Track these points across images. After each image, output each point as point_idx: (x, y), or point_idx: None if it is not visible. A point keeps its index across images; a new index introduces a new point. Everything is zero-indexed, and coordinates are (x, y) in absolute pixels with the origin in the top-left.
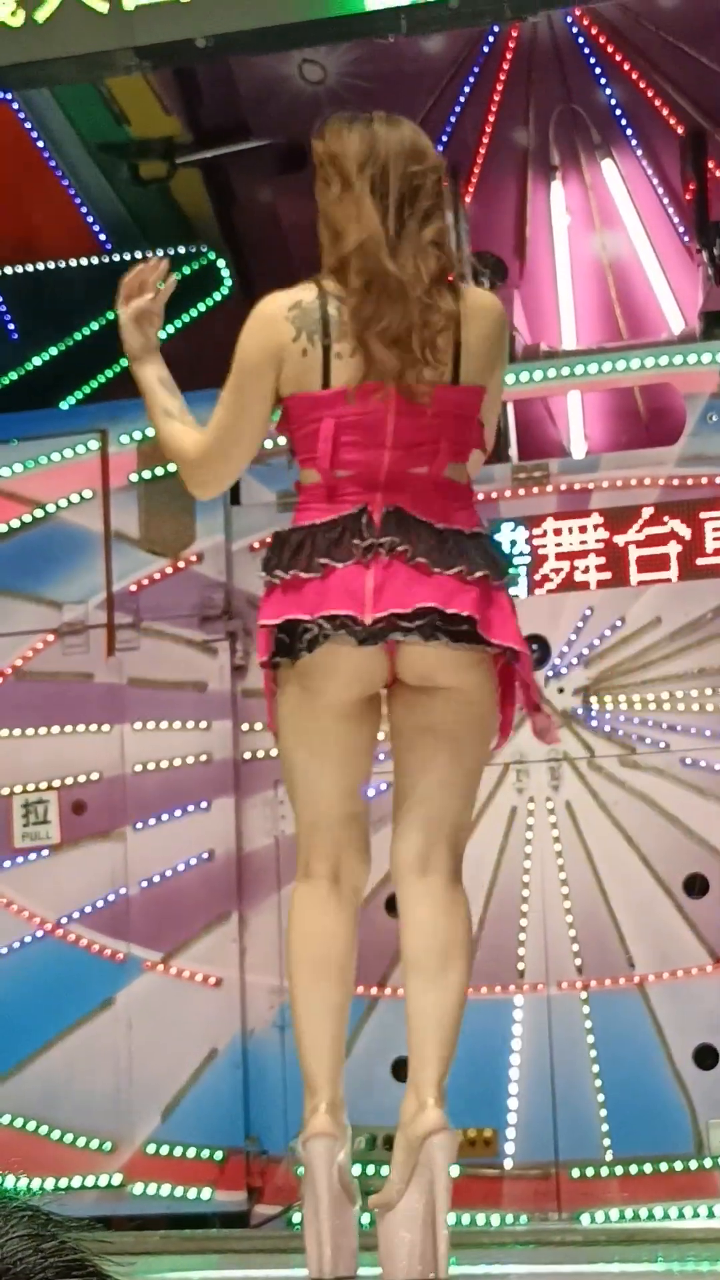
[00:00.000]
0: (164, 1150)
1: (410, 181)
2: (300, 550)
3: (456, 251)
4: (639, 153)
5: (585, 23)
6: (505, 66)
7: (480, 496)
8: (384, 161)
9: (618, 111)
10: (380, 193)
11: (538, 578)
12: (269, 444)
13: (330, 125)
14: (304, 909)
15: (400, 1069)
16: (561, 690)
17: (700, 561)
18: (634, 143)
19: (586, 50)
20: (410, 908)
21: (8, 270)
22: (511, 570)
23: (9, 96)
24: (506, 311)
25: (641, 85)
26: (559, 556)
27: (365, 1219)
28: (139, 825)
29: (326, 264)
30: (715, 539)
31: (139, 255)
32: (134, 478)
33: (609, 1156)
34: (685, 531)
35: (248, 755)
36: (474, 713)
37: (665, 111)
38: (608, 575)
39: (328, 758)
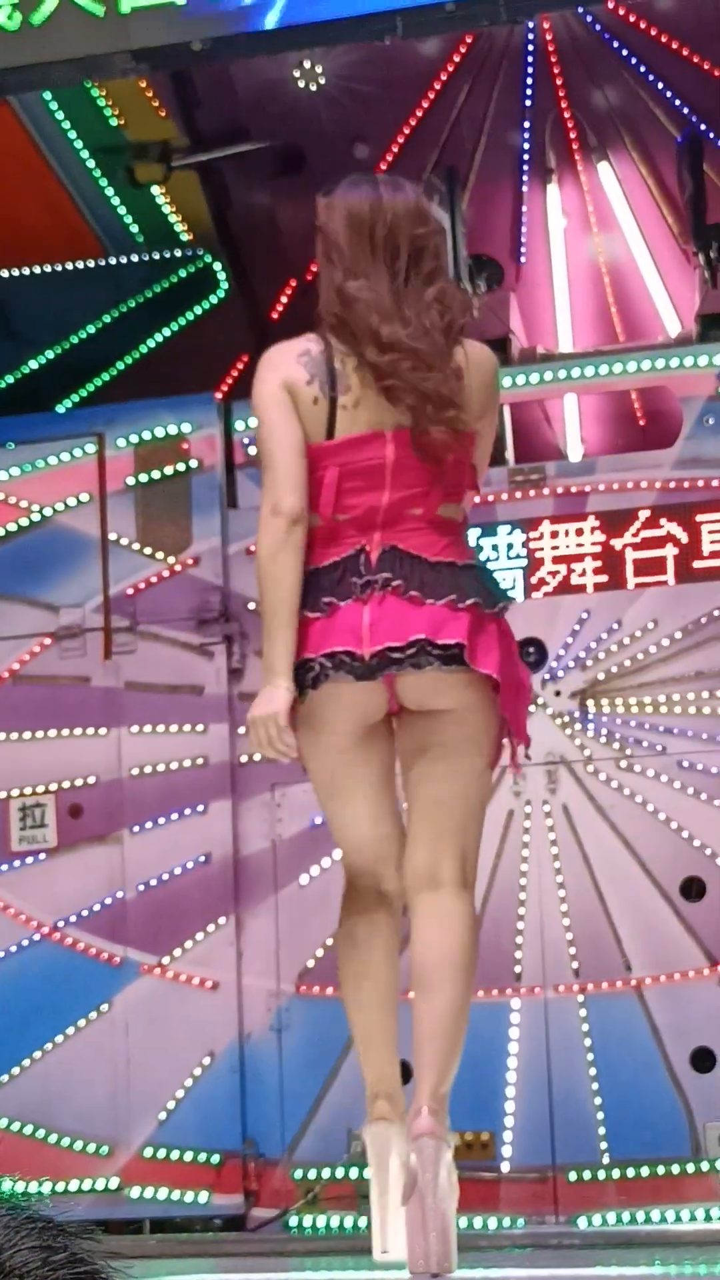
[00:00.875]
0: (161, 1154)
1: (415, 244)
2: (308, 596)
3: (453, 255)
4: (635, 156)
5: (582, 26)
6: (501, 70)
7: (477, 499)
8: (391, 223)
9: (614, 115)
10: (389, 253)
11: (534, 581)
12: None
13: (337, 189)
14: (349, 922)
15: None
16: (558, 693)
17: (697, 565)
18: (630, 146)
19: (583, 54)
20: (416, 922)
21: (4, 273)
22: (508, 597)
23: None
24: (504, 314)
25: (638, 89)
26: (556, 560)
27: (362, 1223)
28: (136, 828)
29: (327, 320)
30: (712, 542)
31: (135, 258)
32: (131, 481)
33: (606, 1159)
34: (682, 535)
35: (244, 759)
36: (467, 731)
37: (662, 115)
38: (604, 578)
39: (344, 790)
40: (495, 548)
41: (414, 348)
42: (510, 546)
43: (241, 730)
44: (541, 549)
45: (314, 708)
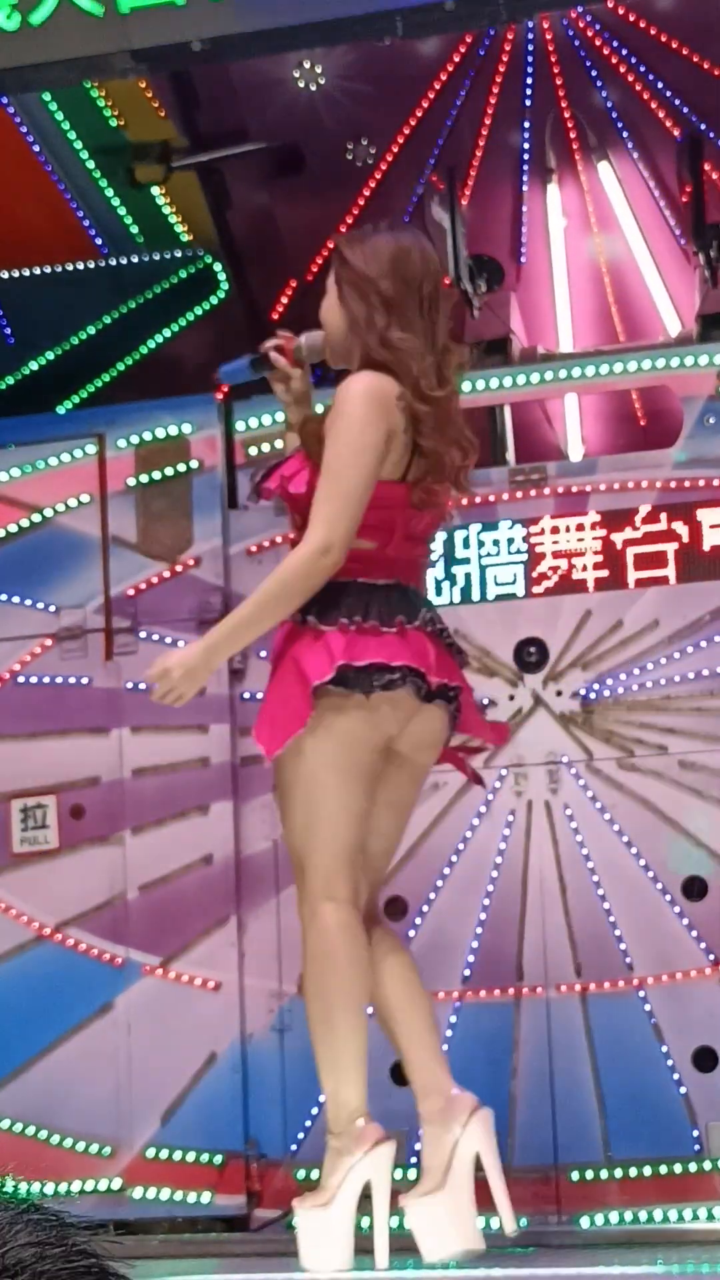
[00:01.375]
0: (163, 1154)
1: (443, 301)
2: (370, 606)
3: (453, 255)
4: (635, 155)
5: (581, 25)
6: (501, 69)
7: (478, 499)
8: (436, 281)
9: (614, 114)
10: (431, 311)
11: (534, 576)
12: (266, 447)
13: (369, 232)
14: (346, 936)
15: (398, 1073)
16: (559, 693)
17: (698, 564)
18: (630, 145)
19: (583, 53)
20: (373, 947)
21: (4, 274)
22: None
23: (4, 100)
24: (504, 314)
25: (638, 88)
26: (556, 556)
27: (364, 1223)
28: (137, 829)
29: (391, 368)
30: (713, 541)
31: (135, 259)
32: (131, 482)
33: (609, 1159)
34: (683, 533)
35: (246, 759)
36: (420, 787)
37: (662, 114)
38: (605, 574)
39: (364, 788)
40: (496, 543)
41: (446, 408)
42: (511, 541)
43: (243, 731)
44: (542, 545)
45: (379, 705)
